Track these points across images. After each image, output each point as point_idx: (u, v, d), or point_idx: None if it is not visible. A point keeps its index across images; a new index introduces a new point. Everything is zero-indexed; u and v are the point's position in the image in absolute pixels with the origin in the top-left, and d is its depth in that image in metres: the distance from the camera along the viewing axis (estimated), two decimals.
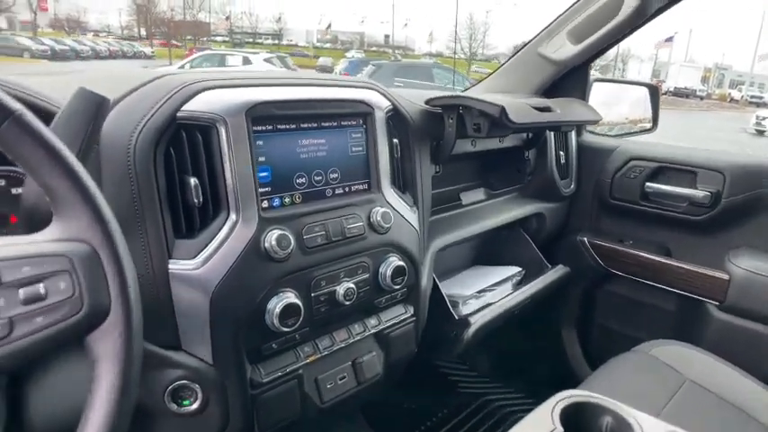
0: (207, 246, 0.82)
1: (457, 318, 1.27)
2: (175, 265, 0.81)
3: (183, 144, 0.82)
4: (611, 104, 1.81)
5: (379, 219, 1.03)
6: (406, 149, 1.15)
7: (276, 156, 0.93)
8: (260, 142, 0.91)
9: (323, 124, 1.01)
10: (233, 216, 0.85)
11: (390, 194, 1.08)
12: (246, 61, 13.95)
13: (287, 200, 0.96)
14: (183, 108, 0.81)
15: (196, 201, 0.81)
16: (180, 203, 0.81)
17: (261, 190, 0.89)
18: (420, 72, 12.36)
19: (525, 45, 1.63)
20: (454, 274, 1.59)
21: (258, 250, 0.85)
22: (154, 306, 0.77)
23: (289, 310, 0.87)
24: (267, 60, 14.21)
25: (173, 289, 0.80)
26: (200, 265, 0.82)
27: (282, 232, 0.87)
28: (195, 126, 0.82)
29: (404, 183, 1.15)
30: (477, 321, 1.28)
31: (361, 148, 1.07)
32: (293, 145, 0.96)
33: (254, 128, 0.88)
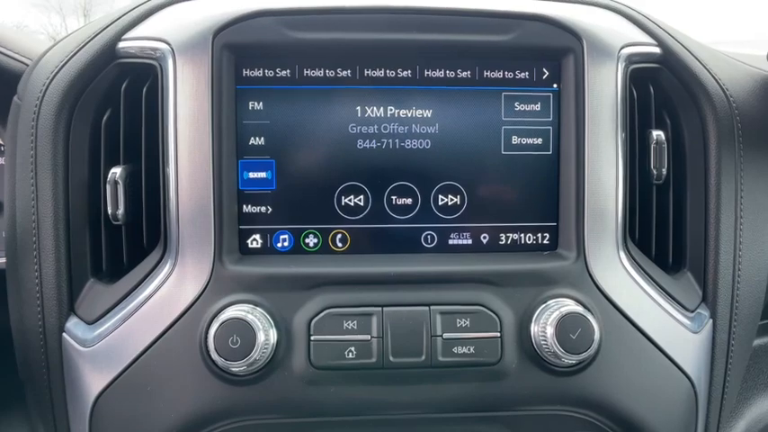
0: (118, 305, 0.51)
1: None
2: (73, 328, 0.51)
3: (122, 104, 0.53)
4: None
5: (550, 330, 0.47)
6: (695, 161, 0.56)
7: (293, 138, 0.51)
8: (256, 104, 0.50)
9: (429, 74, 0.52)
10: (168, 258, 0.50)
11: (617, 272, 0.53)
12: None
13: (311, 239, 0.51)
14: (128, 34, 0.52)
15: (111, 210, 0.51)
16: (103, 217, 0.53)
17: (249, 209, 0.51)
18: None
19: None
20: None
21: (190, 343, 0.48)
22: (43, 388, 0.52)
23: None
24: None
25: (65, 366, 0.51)
26: (95, 339, 0.50)
27: (246, 316, 0.46)
28: (140, 67, 0.52)
29: (676, 246, 0.57)
30: None
31: (538, 141, 0.52)
32: (341, 118, 0.51)
33: (245, 72, 0.50)
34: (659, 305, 0.52)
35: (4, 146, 0.65)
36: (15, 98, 0.53)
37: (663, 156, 0.54)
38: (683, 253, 0.57)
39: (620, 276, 0.51)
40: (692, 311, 0.54)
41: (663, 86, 0.56)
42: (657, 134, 0.54)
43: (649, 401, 0.51)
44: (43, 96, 0.50)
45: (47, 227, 0.50)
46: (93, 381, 0.49)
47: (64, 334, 0.51)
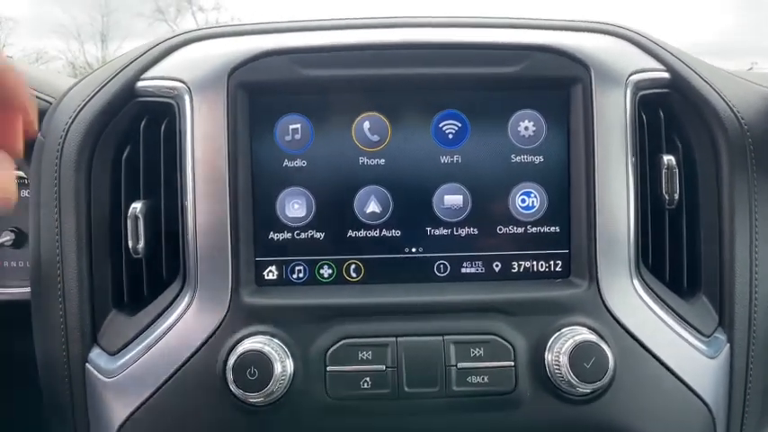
0: (139, 336, 0.52)
1: None
2: (96, 358, 0.52)
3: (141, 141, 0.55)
4: None
5: (564, 359, 0.47)
6: (708, 184, 0.55)
7: (320, 170, 0.52)
8: (289, 138, 0.53)
9: None
10: (187, 290, 0.51)
11: (630, 298, 0.52)
12: None
13: (326, 270, 0.52)
14: (147, 74, 0.53)
15: (131, 244, 0.52)
16: (124, 250, 0.54)
17: (277, 236, 0.52)
18: None
19: None
20: None
21: (210, 374, 0.48)
22: (67, 417, 0.53)
23: None
24: None
25: (88, 396, 0.52)
26: (117, 370, 0.51)
27: (263, 347, 0.47)
28: (158, 106, 0.54)
29: (691, 270, 0.56)
30: None
31: (553, 171, 0.53)
32: (352, 153, 0.52)
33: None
34: (674, 331, 0.51)
35: (27, 179, 0.67)
36: (39, 135, 0.54)
37: (674, 180, 0.53)
38: (697, 277, 0.55)
39: (634, 303, 0.50)
40: (708, 336, 0.53)
41: (673, 111, 0.55)
42: (668, 159, 0.53)
43: (665, 429, 0.50)
44: (66, 134, 0.52)
45: (70, 260, 0.51)
46: (116, 410, 0.50)
47: (87, 364, 0.51)
